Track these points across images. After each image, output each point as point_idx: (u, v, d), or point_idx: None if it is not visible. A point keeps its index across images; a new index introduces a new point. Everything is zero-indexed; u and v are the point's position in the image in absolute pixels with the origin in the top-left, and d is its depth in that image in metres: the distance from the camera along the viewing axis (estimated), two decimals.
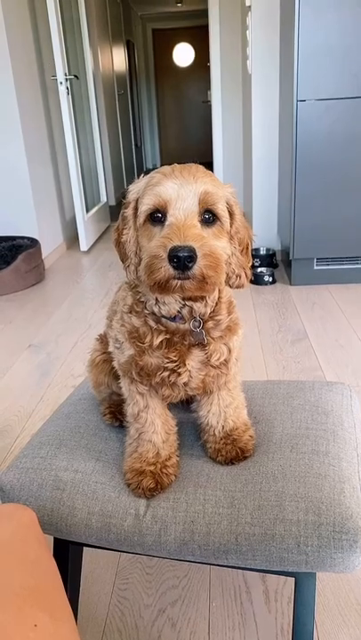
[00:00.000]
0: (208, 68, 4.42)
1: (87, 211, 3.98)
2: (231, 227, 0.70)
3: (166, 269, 0.60)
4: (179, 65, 8.52)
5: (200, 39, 7.08)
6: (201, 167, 0.69)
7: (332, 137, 2.52)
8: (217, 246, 0.65)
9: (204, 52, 4.92)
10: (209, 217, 0.66)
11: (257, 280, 2.91)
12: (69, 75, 3.53)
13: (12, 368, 2.13)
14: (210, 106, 4.51)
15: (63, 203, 4.01)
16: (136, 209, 0.69)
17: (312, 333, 2.24)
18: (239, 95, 4.15)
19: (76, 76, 3.74)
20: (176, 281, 0.61)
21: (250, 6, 3.02)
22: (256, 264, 3.09)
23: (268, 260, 3.12)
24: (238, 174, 4.41)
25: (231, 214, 0.70)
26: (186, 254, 0.59)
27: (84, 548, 0.94)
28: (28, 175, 3.31)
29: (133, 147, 7.41)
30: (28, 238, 3.32)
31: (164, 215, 0.64)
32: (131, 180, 7.72)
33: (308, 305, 2.57)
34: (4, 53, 3.04)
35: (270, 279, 2.90)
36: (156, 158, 9.02)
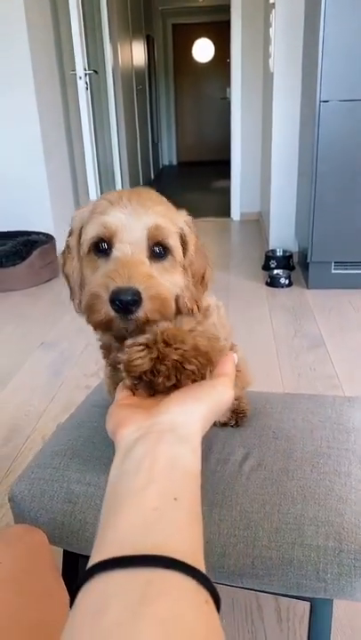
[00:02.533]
0: (228, 64, 4.37)
1: None
2: (184, 258, 0.65)
3: (107, 312, 0.55)
4: (198, 61, 8.45)
5: (221, 35, 7.02)
6: (153, 193, 0.64)
7: (355, 139, 2.47)
8: (165, 286, 0.60)
9: (225, 48, 4.87)
10: (159, 250, 0.60)
11: (273, 282, 2.87)
12: (89, 69, 3.50)
13: (23, 366, 2.12)
14: (228, 103, 4.46)
15: (79, 198, 4.00)
16: (80, 237, 0.64)
17: (329, 340, 2.20)
18: (259, 93, 4.10)
19: (95, 70, 3.72)
20: (118, 322, 0.56)
21: (274, 3, 2.97)
22: (272, 266, 3.05)
23: (285, 262, 3.07)
24: (256, 173, 4.36)
25: (184, 244, 0.65)
26: (129, 298, 0.53)
27: None
28: (44, 170, 3.30)
29: (150, 143, 7.38)
30: (43, 234, 3.31)
31: (110, 247, 0.59)
32: (147, 177, 7.71)
33: (325, 310, 2.52)
34: (25, 47, 3.02)
35: (287, 282, 2.86)
36: (172, 155, 8.98)
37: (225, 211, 4.70)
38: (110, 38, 4.19)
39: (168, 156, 8.97)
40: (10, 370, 2.09)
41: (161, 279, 0.59)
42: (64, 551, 0.87)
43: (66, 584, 0.65)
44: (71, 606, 0.31)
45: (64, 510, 0.79)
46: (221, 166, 5.86)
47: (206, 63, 8.43)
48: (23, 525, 0.60)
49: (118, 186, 4.68)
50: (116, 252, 0.58)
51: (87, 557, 0.87)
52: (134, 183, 5.99)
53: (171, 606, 0.28)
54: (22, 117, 3.18)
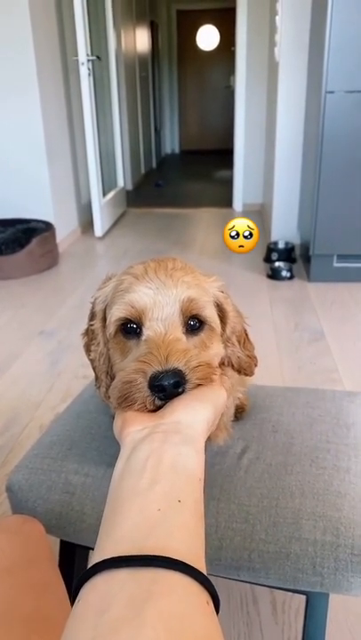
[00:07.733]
0: (232, 52, 4.31)
1: (103, 195, 3.93)
2: (226, 327, 0.62)
3: (146, 400, 0.49)
4: (202, 48, 8.35)
5: (226, 22, 6.91)
6: (180, 262, 0.59)
7: None
8: (207, 354, 0.56)
9: (230, 36, 4.80)
10: (195, 323, 0.56)
11: (274, 275, 2.86)
12: (91, 56, 3.46)
13: (22, 355, 2.11)
14: (232, 92, 4.41)
15: (80, 186, 3.96)
16: (105, 319, 0.60)
17: (330, 333, 2.19)
18: (264, 82, 4.05)
19: (98, 57, 3.67)
20: (158, 404, 0.50)
21: None
22: (274, 258, 3.03)
23: (287, 254, 3.06)
24: (259, 164, 4.32)
25: (223, 313, 0.62)
26: (172, 381, 0.48)
27: (91, 550, 0.92)
28: (45, 157, 3.26)
29: (152, 131, 7.31)
30: (43, 222, 3.29)
31: (140, 326, 0.54)
32: (149, 166, 7.65)
33: (326, 303, 2.51)
34: (27, 33, 2.98)
35: (288, 274, 2.84)
36: (174, 143, 8.90)
37: (227, 201, 4.67)
38: (114, 24, 4.13)
39: (170, 144, 8.89)
40: (8, 358, 2.08)
41: (200, 353, 0.54)
42: (61, 541, 0.87)
43: (62, 574, 0.65)
44: (72, 600, 0.31)
45: (62, 500, 0.79)
46: (224, 156, 5.82)
47: (211, 51, 8.33)
48: (20, 515, 0.59)
49: (120, 174, 4.64)
50: (147, 332, 0.53)
51: (84, 547, 0.87)
52: (136, 171, 5.94)
53: (175, 605, 0.29)
54: (23, 104, 3.14)
